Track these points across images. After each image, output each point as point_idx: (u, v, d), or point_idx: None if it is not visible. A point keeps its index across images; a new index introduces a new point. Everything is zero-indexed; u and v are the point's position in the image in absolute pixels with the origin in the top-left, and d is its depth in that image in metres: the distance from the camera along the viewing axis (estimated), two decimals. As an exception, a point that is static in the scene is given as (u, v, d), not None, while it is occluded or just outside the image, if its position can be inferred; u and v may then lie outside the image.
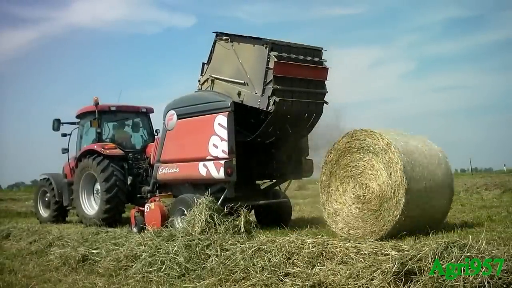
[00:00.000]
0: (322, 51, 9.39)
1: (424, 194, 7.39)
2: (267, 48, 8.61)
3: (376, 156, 7.40)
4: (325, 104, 9.49)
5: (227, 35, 9.29)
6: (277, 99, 8.60)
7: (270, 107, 8.68)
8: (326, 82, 9.46)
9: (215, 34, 9.52)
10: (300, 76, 9.00)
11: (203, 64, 9.90)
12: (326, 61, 9.41)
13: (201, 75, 9.94)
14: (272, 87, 8.59)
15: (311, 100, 9.29)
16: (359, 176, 7.65)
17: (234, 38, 9.19)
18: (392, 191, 7.14)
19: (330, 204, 7.99)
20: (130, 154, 11.98)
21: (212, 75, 9.62)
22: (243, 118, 9.11)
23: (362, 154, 7.60)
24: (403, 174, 7.07)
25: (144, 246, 6.67)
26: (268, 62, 8.63)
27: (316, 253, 5.12)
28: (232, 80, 9.20)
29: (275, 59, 8.56)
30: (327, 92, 9.47)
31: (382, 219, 7.26)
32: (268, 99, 8.67)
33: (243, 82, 9.01)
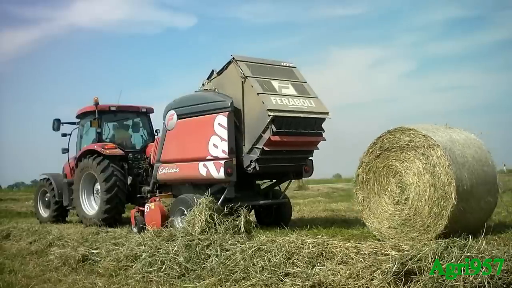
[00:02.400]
0: (326, 117, 9.20)
1: (469, 196, 6.79)
2: (270, 117, 8.41)
3: (424, 158, 6.85)
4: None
5: (242, 71, 8.89)
6: (257, 167, 8.68)
7: (249, 169, 8.78)
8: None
9: (232, 56, 9.15)
10: (291, 148, 8.99)
11: (213, 70, 9.67)
12: (324, 131, 9.29)
13: (208, 79, 9.78)
14: (258, 156, 8.64)
15: (293, 164, 9.45)
16: (401, 176, 7.13)
17: (247, 76, 8.85)
18: (438, 195, 6.65)
19: (368, 203, 7.50)
20: (130, 154, 11.98)
21: (216, 89, 9.54)
22: None
23: (405, 153, 7.09)
24: (451, 179, 6.55)
25: (144, 246, 6.67)
26: (265, 129, 8.53)
27: (316, 253, 5.12)
28: None
29: (271, 135, 8.45)
30: (312, 156, 9.59)
31: (425, 224, 6.75)
32: (250, 162, 8.74)
33: (238, 124, 8.93)
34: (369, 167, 7.50)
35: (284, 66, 9.75)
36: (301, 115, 8.84)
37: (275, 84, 9.03)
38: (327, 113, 9.21)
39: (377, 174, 7.43)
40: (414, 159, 7.00)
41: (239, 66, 8.96)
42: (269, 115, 8.40)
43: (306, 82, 9.63)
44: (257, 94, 8.62)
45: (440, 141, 6.84)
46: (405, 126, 7.17)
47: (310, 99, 9.23)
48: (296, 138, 8.87)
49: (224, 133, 8.80)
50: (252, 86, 8.72)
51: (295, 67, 9.86)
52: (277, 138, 8.52)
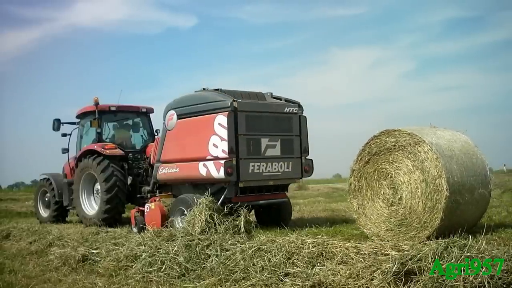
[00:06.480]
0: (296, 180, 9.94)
1: (461, 188, 6.85)
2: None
3: (412, 156, 6.91)
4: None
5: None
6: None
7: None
8: None
9: (235, 102, 9.00)
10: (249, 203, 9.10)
11: (220, 89, 9.50)
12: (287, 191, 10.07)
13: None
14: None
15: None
16: (392, 177, 7.17)
17: (240, 134, 8.97)
18: (430, 189, 6.69)
19: (363, 209, 7.51)
20: (130, 154, 11.98)
21: None
22: None
23: (394, 154, 7.14)
24: (440, 171, 6.60)
25: (144, 246, 6.67)
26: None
27: (316, 253, 5.12)
28: None
29: (234, 196, 8.94)
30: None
31: (422, 221, 6.76)
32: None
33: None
34: (360, 174, 7.58)
35: (287, 113, 9.67)
36: (270, 182, 9.39)
37: (264, 143, 9.22)
38: (299, 178, 10.03)
39: (368, 179, 7.50)
40: (403, 158, 7.08)
41: (237, 117, 8.93)
42: (239, 185, 8.91)
43: (298, 136, 9.71)
44: (240, 159, 8.87)
45: (425, 137, 6.93)
46: (390, 129, 7.27)
47: (290, 162, 9.56)
48: (257, 197, 9.36)
49: (224, 133, 8.80)
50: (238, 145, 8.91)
51: (297, 113, 9.78)
52: (237, 200, 8.85)
